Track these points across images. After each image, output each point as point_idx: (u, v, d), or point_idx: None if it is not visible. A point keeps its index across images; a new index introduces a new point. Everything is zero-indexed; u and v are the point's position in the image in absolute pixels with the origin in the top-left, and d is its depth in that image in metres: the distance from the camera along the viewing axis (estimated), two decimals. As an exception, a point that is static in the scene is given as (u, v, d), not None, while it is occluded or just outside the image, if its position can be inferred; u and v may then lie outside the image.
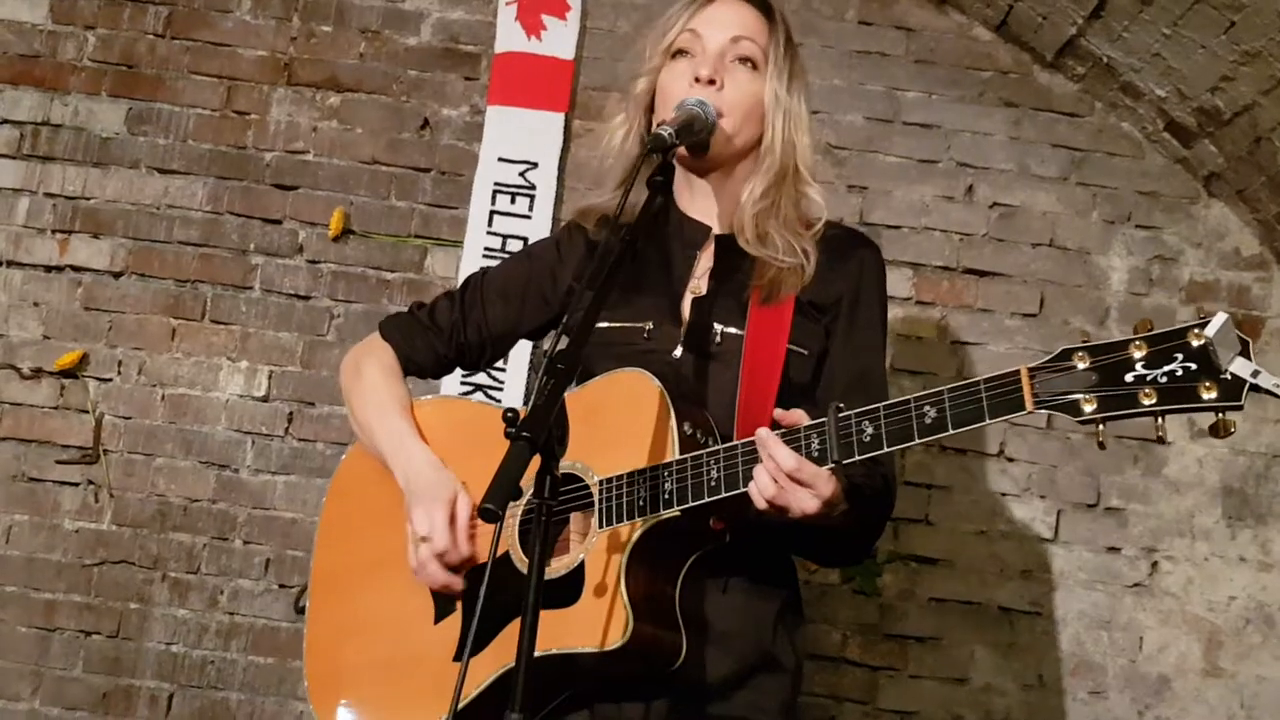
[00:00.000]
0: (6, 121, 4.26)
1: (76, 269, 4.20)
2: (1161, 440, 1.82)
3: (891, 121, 4.22)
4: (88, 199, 4.22)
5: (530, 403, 1.92)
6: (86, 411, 4.12)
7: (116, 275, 4.19)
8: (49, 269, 4.20)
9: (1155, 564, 3.99)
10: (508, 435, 1.83)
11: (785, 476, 2.03)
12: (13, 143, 4.25)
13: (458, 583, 2.35)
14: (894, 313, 3.97)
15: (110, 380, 4.14)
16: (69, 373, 4.12)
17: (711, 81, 2.43)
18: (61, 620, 4.02)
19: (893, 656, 3.98)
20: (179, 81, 4.29)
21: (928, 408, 1.97)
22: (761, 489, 2.05)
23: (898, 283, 4.09)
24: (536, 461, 1.88)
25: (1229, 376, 1.75)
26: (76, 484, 4.09)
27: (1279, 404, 4.01)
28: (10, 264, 4.20)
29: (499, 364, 2.90)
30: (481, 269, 2.78)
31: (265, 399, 4.14)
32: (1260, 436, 4.02)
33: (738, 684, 2.28)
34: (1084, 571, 4.00)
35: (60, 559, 4.05)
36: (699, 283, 2.48)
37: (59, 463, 4.10)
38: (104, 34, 4.31)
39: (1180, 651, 3.95)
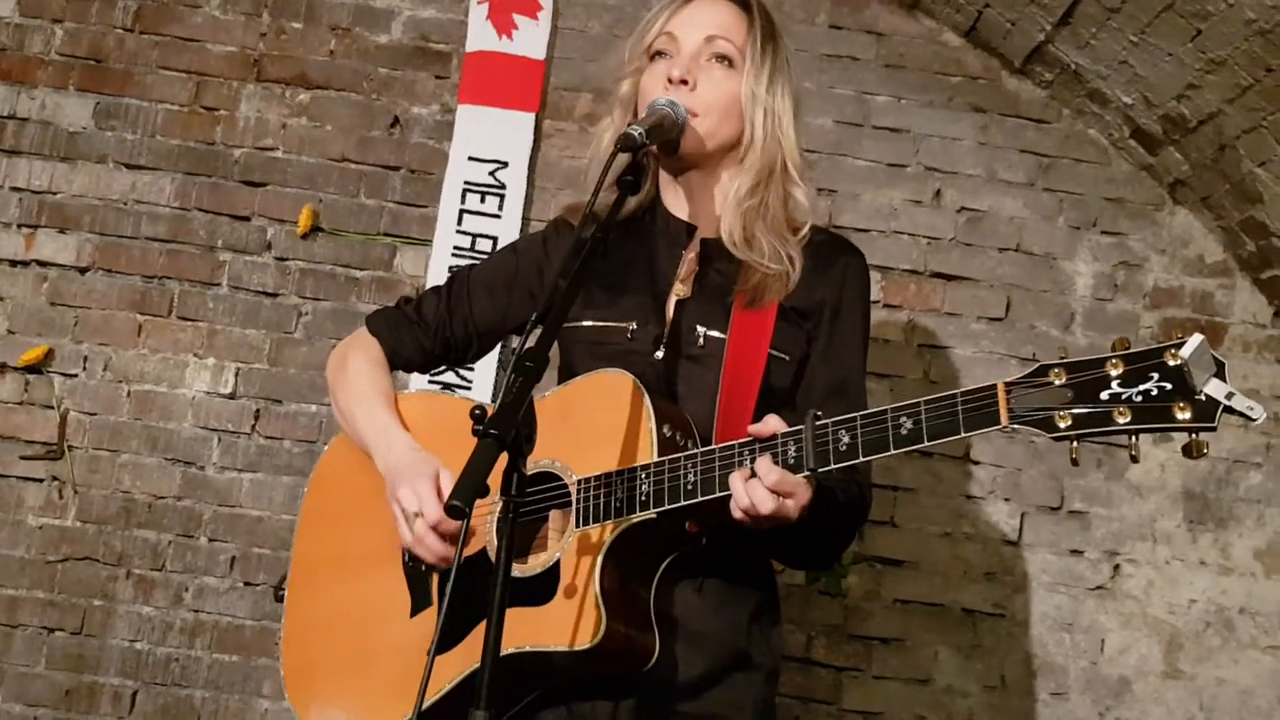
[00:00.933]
0: (-28, 114, 4.24)
1: (42, 264, 4.17)
2: (1134, 459, 1.84)
3: (861, 125, 4.24)
4: (54, 193, 4.20)
5: (499, 400, 1.92)
6: (51, 407, 4.09)
7: (83, 270, 4.17)
8: (14, 264, 4.17)
9: (1117, 567, 4.03)
10: (475, 433, 1.84)
11: (764, 487, 2.04)
12: (-22, 136, 4.23)
13: (453, 553, 2.32)
14: (861, 316, 4.01)
15: (76, 376, 4.12)
16: (34, 368, 4.09)
17: (684, 82, 2.43)
18: (24, 617, 3.99)
19: (857, 657, 4.00)
20: (147, 76, 4.26)
21: (904, 419, 1.97)
22: (738, 499, 2.06)
23: (865, 286, 4.11)
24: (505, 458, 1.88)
25: (1203, 398, 1.76)
26: (41, 480, 4.07)
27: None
28: (-25, 258, 4.18)
29: (483, 357, 2.89)
30: (469, 265, 2.78)
31: (232, 396, 4.12)
32: (1222, 442, 4.05)
33: (713, 683, 2.29)
34: (1047, 574, 4.03)
35: (24, 555, 4.02)
36: (683, 284, 2.47)
37: (23, 458, 4.07)
38: (72, 27, 4.28)
39: (1141, 654, 3.99)
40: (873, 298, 4.04)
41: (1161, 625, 4.00)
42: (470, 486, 1.77)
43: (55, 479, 4.07)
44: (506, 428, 1.85)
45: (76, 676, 3.96)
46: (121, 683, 3.97)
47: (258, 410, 4.12)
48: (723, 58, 2.48)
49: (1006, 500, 4.07)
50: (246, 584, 4.02)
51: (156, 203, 4.20)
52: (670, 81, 2.43)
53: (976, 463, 4.08)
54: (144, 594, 4.01)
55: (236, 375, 4.13)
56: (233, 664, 3.98)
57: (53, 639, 3.99)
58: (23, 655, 3.97)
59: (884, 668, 3.99)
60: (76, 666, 3.97)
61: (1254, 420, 1.76)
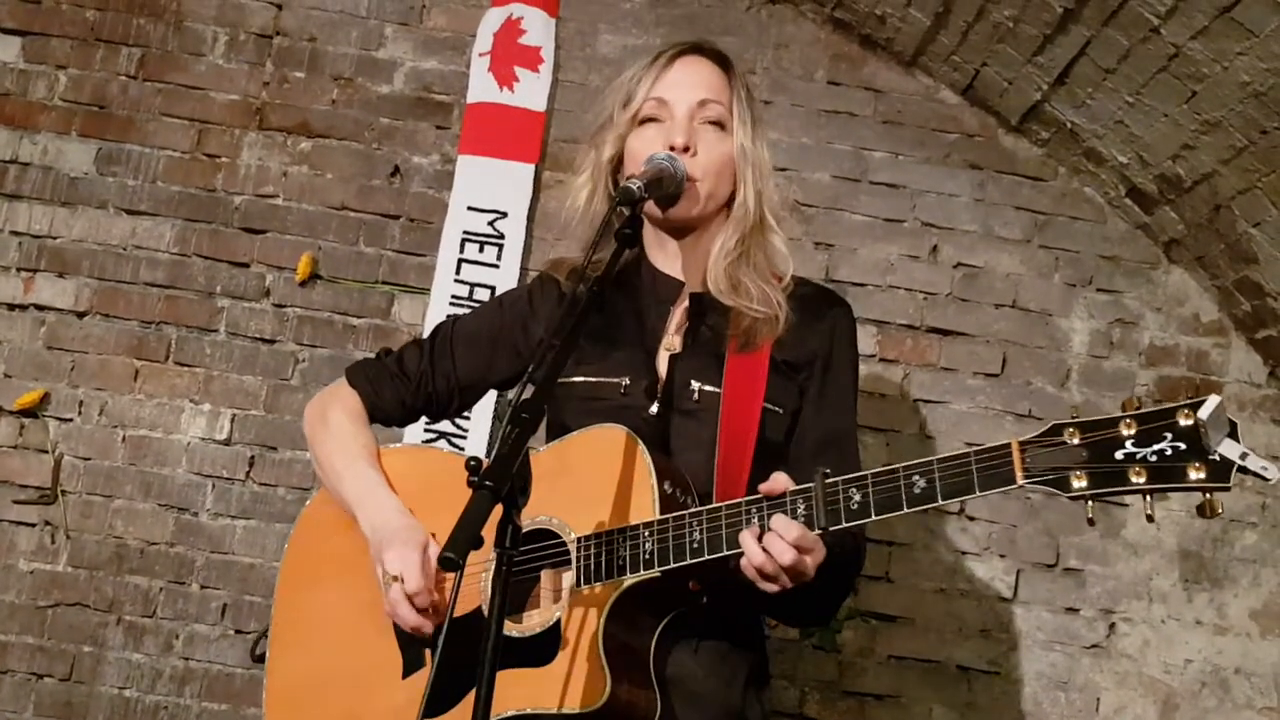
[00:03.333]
0: (-26, 159, 4.25)
1: (40, 308, 4.17)
2: (1150, 519, 1.85)
3: (858, 180, 4.26)
4: (54, 238, 4.21)
5: (494, 452, 1.91)
6: (46, 451, 4.08)
7: (81, 315, 4.17)
8: (12, 307, 4.17)
9: (1113, 625, 4.01)
10: (470, 484, 1.82)
11: (789, 547, 2.03)
12: (-20, 180, 4.24)
13: (427, 625, 2.31)
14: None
15: (71, 420, 4.11)
16: (29, 412, 4.09)
17: (686, 149, 2.45)
18: (13, 662, 3.96)
19: (851, 714, 3.97)
20: (150, 123, 4.29)
21: (917, 477, 1.97)
22: (751, 557, 2.05)
23: (861, 340, 4.04)
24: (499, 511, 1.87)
25: (1218, 458, 1.76)
26: (33, 524, 4.05)
27: (1236, 468, 4.05)
28: (-27, 301, 4.18)
29: (464, 413, 2.87)
30: (451, 318, 2.76)
31: (227, 442, 4.11)
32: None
33: None
34: (1042, 631, 4.02)
35: (14, 600, 4.00)
36: (673, 339, 2.48)
37: (16, 502, 4.05)
38: (75, 74, 4.30)
39: (1136, 714, 3.97)
40: (869, 352, 4.11)
41: (1157, 685, 3.98)
42: (464, 539, 1.76)
43: (48, 524, 4.05)
44: (502, 479, 1.84)
45: (64, 723, 3.94)
46: (109, 730, 3.94)
47: (252, 457, 4.11)
48: (715, 122, 2.51)
49: (1002, 557, 4.05)
50: (238, 632, 3.99)
51: (156, 248, 4.21)
52: (672, 149, 2.44)
53: (972, 518, 4.07)
54: (134, 641, 3.99)
55: (232, 421, 4.12)
56: (222, 713, 3.95)
57: (41, 685, 3.96)
58: (10, 701, 3.94)
59: (878, 724, 3.96)
60: (65, 714, 3.94)
61: (1269, 480, 1.77)
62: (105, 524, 4.05)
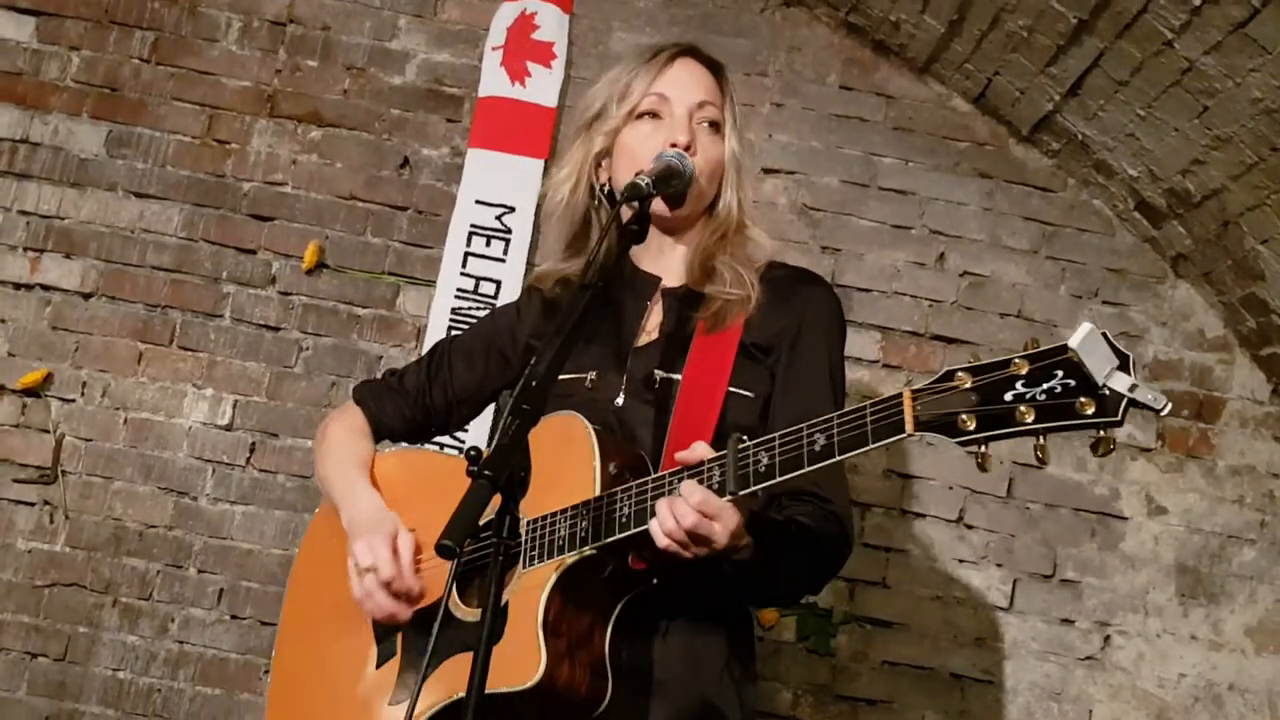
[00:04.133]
0: (-15, 137, 4.26)
1: (46, 288, 4.18)
2: (1041, 460, 1.76)
3: (867, 186, 4.26)
4: (62, 219, 4.21)
5: (494, 443, 1.92)
6: (47, 431, 4.09)
7: (86, 296, 4.18)
8: (19, 286, 4.18)
9: (1108, 638, 4.01)
10: (469, 474, 1.83)
11: (691, 510, 2.00)
12: (-10, 158, 4.25)
13: (404, 611, 2.36)
14: (859, 374, 4.01)
15: (73, 401, 4.12)
16: (32, 391, 4.09)
17: (688, 147, 2.47)
18: (8, 641, 3.97)
19: (843, 718, 3.97)
20: (161, 107, 4.29)
21: (818, 435, 1.93)
22: (661, 523, 2.03)
23: (865, 345, 4.12)
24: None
25: (1106, 392, 1.70)
26: (32, 504, 4.06)
27: (1236, 483, 4.06)
28: (-21, 279, 4.19)
29: (464, 427, 2.94)
30: (449, 336, 2.85)
31: (228, 428, 4.12)
32: (1216, 516, 4.05)
33: None
34: (1037, 642, 4.01)
35: (11, 578, 4.01)
36: (649, 334, 2.51)
37: (16, 481, 4.06)
38: (88, 56, 4.31)
39: (1129, 727, 3.97)
40: (872, 357, 4.10)
41: (1150, 699, 3.98)
42: (463, 527, 1.77)
43: (47, 503, 4.06)
44: (501, 469, 1.85)
45: (57, 704, 3.94)
46: (102, 712, 3.94)
47: (253, 443, 4.11)
48: (713, 124, 2.55)
49: (999, 566, 4.05)
50: (233, 617, 4.00)
51: (163, 232, 4.22)
52: (674, 146, 2.46)
53: (970, 527, 4.07)
54: (130, 623, 3.99)
55: (234, 407, 4.13)
56: (215, 697, 3.96)
57: (35, 664, 3.96)
58: (4, 680, 3.95)
59: (870, 730, 3.97)
60: (58, 693, 3.94)
61: (1158, 410, 1.69)
62: (104, 505, 4.06)
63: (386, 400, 2.73)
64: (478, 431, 3.85)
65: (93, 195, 4.23)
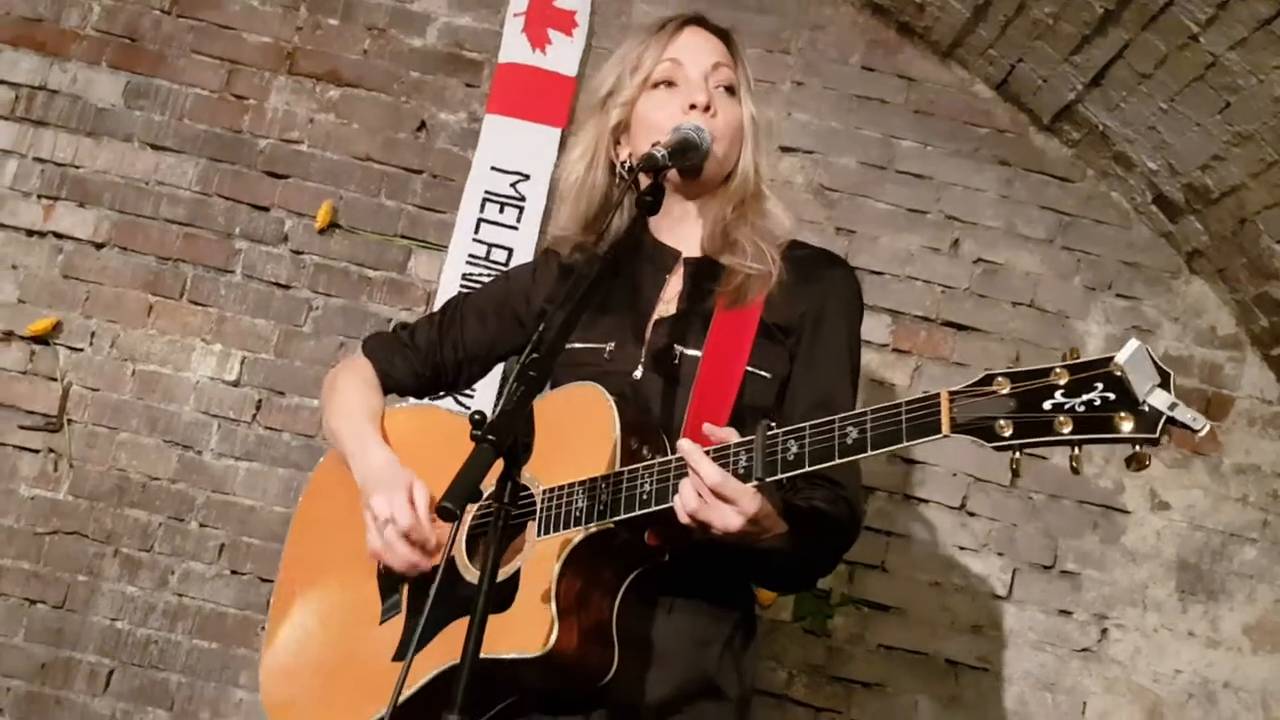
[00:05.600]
0: (3, 82, 4.25)
1: (59, 236, 4.18)
2: (1075, 470, 1.77)
3: (885, 168, 4.24)
4: (77, 167, 4.21)
5: (499, 407, 1.92)
6: (55, 379, 4.10)
7: (99, 246, 4.18)
8: (31, 233, 4.18)
9: (1105, 630, 4.01)
10: (473, 437, 1.83)
11: (708, 491, 2.01)
12: (7, 104, 4.23)
13: (425, 561, 2.34)
14: (869, 358, 4.00)
15: (82, 350, 4.12)
16: (41, 339, 4.10)
17: (707, 108, 2.46)
18: (7, 586, 3.99)
19: (837, 699, 3.98)
20: (180, 60, 4.28)
21: (850, 428, 1.94)
22: (685, 502, 2.04)
23: (876, 328, 4.11)
24: (498, 467, 1.88)
25: (1146, 408, 1.69)
26: (37, 451, 4.07)
27: (1240, 482, 4.05)
28: (-8, 224, 4.19)
29: (472, 385, 2.93)
30: (462, 292, 2.82)
31: (236, 384, 4.12)
32: (1219, 514, 4.04)
33: (675, 709, 2.27)
34: (1034, 632, 4.02)
35: (13, 524, 4.02)
36: (667, 305, 2.49)
37: (22, 428, 4.07)
38: (110, 4, 4.30)
39: (1122, 720, 3.97)
40: (882, 341, 4.09)
41: (1145, 693, 3.98)
42: (463, 490, 1.77)
43: (52, 451, 4.07)
44: (505, 434, 1.84)
45: (54, 651, 3.96)
46: (99, 660, 3.96)
47: (260, 400, 4.12)
48: (729, 87, 2.54)
49: (999, 554, 4.05)
50: (233, 572, 4.01)
51: (178, 185, 4.21)
52: (693, 107, 2.45)
53: (973, 514, 4.07)
54: (129, 574, 4.01)
55: (242, 364, 4.13)
56: (212, 651, 3.97)
57: (34, 611, 3.98)
58: (2, 625, 3.97)
59: (862, 712, 3.96)
60: (55, 641, 3.96)
61: (1197, 432, 1.68)
62: (109, 456, 4.07)
63: (397, 355, 2.71)
64: (483, 396, 3.85)
65: (109, 145, 4.23)
